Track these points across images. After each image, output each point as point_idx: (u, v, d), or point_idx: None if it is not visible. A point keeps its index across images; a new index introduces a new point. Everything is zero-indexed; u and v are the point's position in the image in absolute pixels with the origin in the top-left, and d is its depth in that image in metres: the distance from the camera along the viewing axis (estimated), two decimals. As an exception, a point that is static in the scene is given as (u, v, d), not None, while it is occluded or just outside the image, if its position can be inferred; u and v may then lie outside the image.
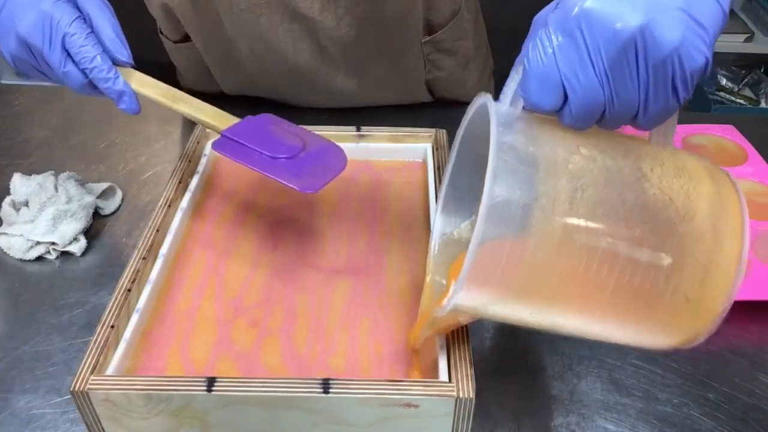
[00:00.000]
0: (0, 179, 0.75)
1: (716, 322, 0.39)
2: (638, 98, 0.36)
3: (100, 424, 0.44)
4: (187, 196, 0.60)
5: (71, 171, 0.73)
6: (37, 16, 0.53)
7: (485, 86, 0.93)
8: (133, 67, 0.58)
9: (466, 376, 0.43)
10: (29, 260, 0.66)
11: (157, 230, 0.55)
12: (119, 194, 0.73)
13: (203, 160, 0.65)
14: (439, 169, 0.63)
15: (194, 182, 0.62)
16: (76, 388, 0.42)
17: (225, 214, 0.61)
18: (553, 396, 0.54)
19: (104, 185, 0.73)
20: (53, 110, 0.89)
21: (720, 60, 2.10)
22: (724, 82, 2.07)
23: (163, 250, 0.54)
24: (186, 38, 0.84)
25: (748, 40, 1.98)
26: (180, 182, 0.61)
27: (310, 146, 0.56)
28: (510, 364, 0.56)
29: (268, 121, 0.59)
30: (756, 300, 0.61)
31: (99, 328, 0.46)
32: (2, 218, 0.70)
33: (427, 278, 0.48)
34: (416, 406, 0.42)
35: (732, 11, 2.04)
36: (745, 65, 2.09)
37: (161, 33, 0.87)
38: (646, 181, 0.37)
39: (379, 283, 0.54)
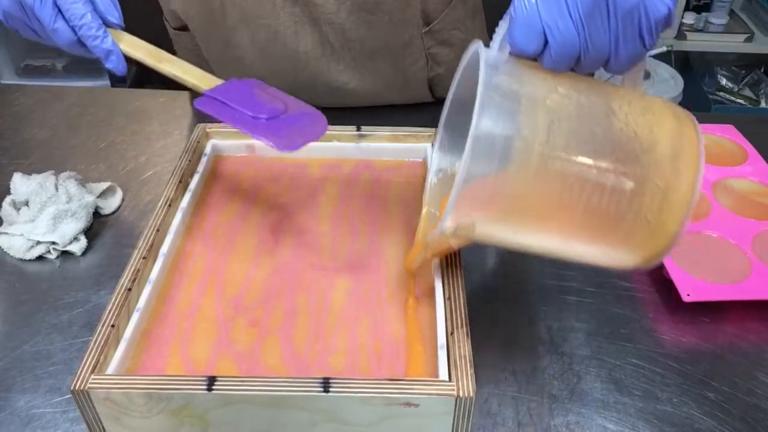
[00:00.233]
0: (0, 179, 0.75)
1: (672, 243, 0.43)
2: (609, 44, 0.41)
3: (101, 423, 0.44)
4: (187, 196, 0.60)
5: (71, 171, 0.73)
6: None
7: None
8: (123, 30, 0.59)
9: (466, 375, 0.43)
10: (29, 260, 0.66)
11: (158, 230, 0.55)
12: (119, 194, 0.73)
13: (203, 160, 0.65)
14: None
15: (194, 182, 0.62)
16: (76, 388, 0.42)
17: (225, 214, 0.61)
18: (553, 396, 0.54)
19: (104, 185, 0.73)
20: (53, 110, 0.90)
21: (720, 60, 2.10)
22: (724, 82, 2.07)
23: (164, 249, 0.55)
24: (184, 27, 0.84)
25: (748, 40, 1.99)
26: (180, 182, 0.61)
27: (291, 110, 0.57)
28: (510, 363, 0.56)
29: (252, 84, 0.60)
30: (756, 300, 0.61)
31: (99, 328, 0.46)
32: (2, 218, 0.70)
33: (424, 210, 0.53)
34: (416, 405, 0.42)
35: (732, 11, 2.05)
36: (745, 65, 2.09)
37: (165, 20, 0.87)
38: (614, 117, 0.42)
39: (379, 283, 0.54)
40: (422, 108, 0.89)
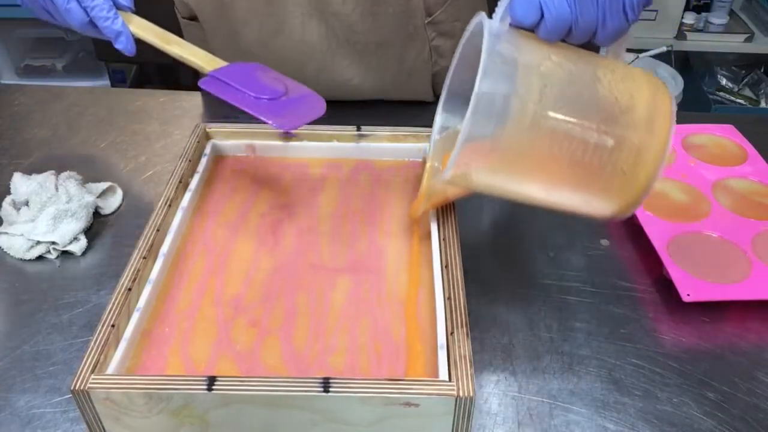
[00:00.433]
0: (0, 179, 0.75)
1: (644, 194, 0.49)
2: (597, 19, 0.47)
3: (101, 423, 0.44)
4: (187, 196, 0.60)
5: (71, 171, 0.73)
6: None
7: None
8: (132, 12, 0.61)
9: (466, 375, 0.43)
10: (29, 260, 0.66)
11: (158, 230, 0.55)
12: (119, 194, 0.73)
13: (203, 160, 0.65)
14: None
15: (194, 182, 0.62)
16: (76, 387, 0.43)
17: (225, 214, 0.61)
18: (553, 396, 0.54)
19: (104, 185, 0.73)
20: (53, 110, 0.90)
21: (720, 60, 2.10)
22: (724, 82, 2.07)
23: (164, 249, 0.55)
24: (193, 17, 0.85)
25: (748, 40, 1.98)
26: (180, 182, 0.61)
27: (292, 92, 0.60)
28: (510, 363, 0.56)
29: (255, 67, 0.62)
30: (756, 300, 0.61)
31: (99, 328, 0.46)
32: (2, 218, 0.70)
33: (427, 164, 0.58)
34: (416, 405, 0.42)
35: (732, 11, 2.05)
36: (745, 65, 2.09)
37: (176, 9, 0.88)
38: (599, 83, 0.48)
39: (379, 283, 0.54)
40: (423, 107, 0.89)
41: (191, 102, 0.92)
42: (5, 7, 1.82)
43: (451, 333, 0.47)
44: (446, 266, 0.52)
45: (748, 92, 2.05)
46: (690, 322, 0.60)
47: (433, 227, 0.57)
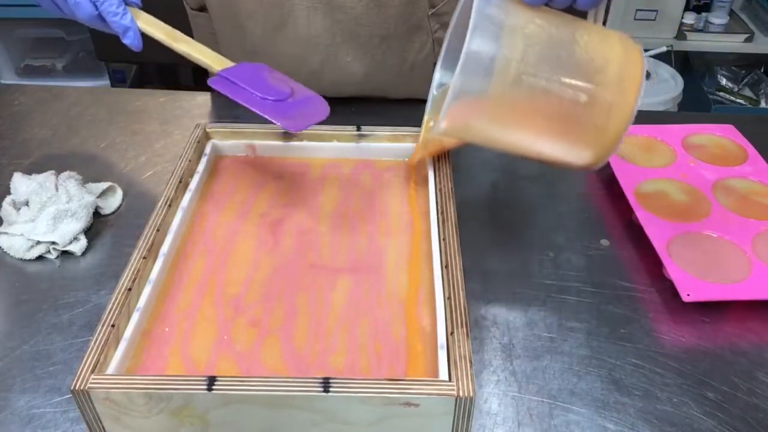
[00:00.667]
0: (0, 179, 0.75)
1: (615, 145, 0.54)
2: None
3: (101, 423, 0.44)
4: (187, 196, 0.60)
5: (71, 171, 0.73)
6: None
7: None
8: (140, 8, 0.63)
9: (466, 375, 0.43)
10: (29, 260, 0.66)
11: (158, 230, 0.55)
12: (119, 194, 0.73)
13: (203, 160, 0.65)
14: (439, 168, 0.63)
15: (194, 182, 0.62)
16: (76, 387, 0.43)
17: (225, 214, 0.61)
18: (553, 396, 0.54)
19: (104, 185, 0.73)
20: (53, 110, 0.90)
21: (720, 60, 2.10)
22: (724, 82, 2.07)
23: (164, 249, 0.55)
24: (203, 8, 0.85)
25: (748, 40, 1.99)
26: (180, 182, 0.61)
27: (297, 94, 0.62)
28: (510, 363, 0.56)
29: (263, 68, 0.64)
30: (756, 300, 0.61)
31: (99, 328, 0.46)
32: (2, 218, 0.70)
33: (425, 118, 0.63)
34: (416, 405, 0.42)
35: (732, 11, 2.05)
36: (745, 65, 2.09)
37: (185, 1, 0.88)
38: (576, 45, 0.52)
39: (379, 283, 0.54)
40: (423, 107, 0.88)
41: (191, 102, 0.92)
42: (5, 7, 1.82)
43: (451, 333, 0.47)
44: (446, 266, 0.52)
45: (748, 92, 2.05)
46: (690, 322, 0.60)
47: (434, 227, 0.57)
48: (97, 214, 0.71)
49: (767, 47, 1.98)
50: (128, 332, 0.48)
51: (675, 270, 0.62)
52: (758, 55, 2.01)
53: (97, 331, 0.46)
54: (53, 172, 0.72)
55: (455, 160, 0.65)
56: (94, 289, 0.63)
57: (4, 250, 0.67)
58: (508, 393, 0.54)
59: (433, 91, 0.64)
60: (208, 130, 0.68)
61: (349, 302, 0.53)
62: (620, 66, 0.53)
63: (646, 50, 1.84)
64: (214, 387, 0.42)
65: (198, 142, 0.66)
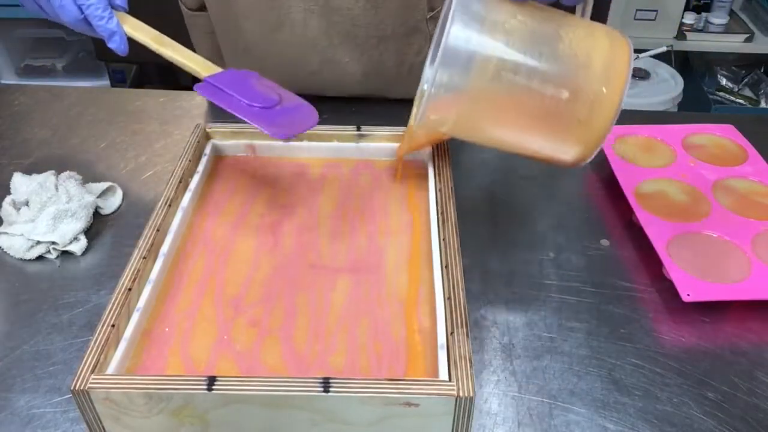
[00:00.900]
0: (0, 179, 0.75)
1: (600, 141, 0.54)
2: None
3: (101, 423, 0.44)
4: (187, 196, 0.60)
5: (71, 171, 0.73)
6: None
7: None
8: (126, 12, 0.61)
9: (466, 375, 0.43)
10: (29, 260, 0.66)
11: (158, 230, 0.55)
12: (119, 194, 0.73)
13: (203, 160, 0.65)
14: (439, 169, 0.63)
15: (194, 182, 0.62)
16: (76, 387, 0.43)
17: (225, 214, 0.61)
18: (553, 396, 0.54)
19: (104, 185, 0.73)
20: (53, 110, 0.90)
21: (720, 60, 2.10)
22: (724, 82, 2.07)
23: (164, 249, 0.55)
24: (202, 7, 0.85)
25: (748, 40, 1.99)
26: (180, 182, 0.61)
27: (286, 102, 0.60)
28: (510, 363, 0.56)
29: (251, 75, 0.62)
30: (756, 300, 0.61)
31: (99, 328, 0.46)
32: (2, 218, 0.70)
33: (414, 110, 0.63)
34: (416, 405, 0.42)
35: (732, 11, 2.05)
36: (745, 65, 2.09)
37: (180, 1, 0.88)
38: (560, 41, 0.52)
39: (379, 283, 0.54)
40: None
41: (191, 102, 0.92)
42: (5, 7, 1.83)
43: (451, 333, 0.47)
44: (446, 266, 0.52)
45: (748, 92, 2.05)
46: (690, 322, 0.60)
47: (434, 227, 0.57)
48: (97, 214, 0.71)
49: (767, 47, 1.98)
50: (128, 332, 0.48)
51: (675, 270, 0.62)
52: (758, 55, 2.01)
53: (97, 331, 0.46)
54: (53, 172, 0.72)
55: (455, 160, 0.65)
56: (94, 289, 0.63)
57: (4, 250, 0.67)
58: (508, 393, 0.54)
59: (423, 85, 0.64)
60: (208, 130, 0.68)
61: (349, 302, 0.53)
62: (605, 60, 0.52)
63: (646, 50, 1.84)
64: (214, 387, 0.42)
65: (198, 142, 0.66)
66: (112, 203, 0.72)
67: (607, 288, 0.63)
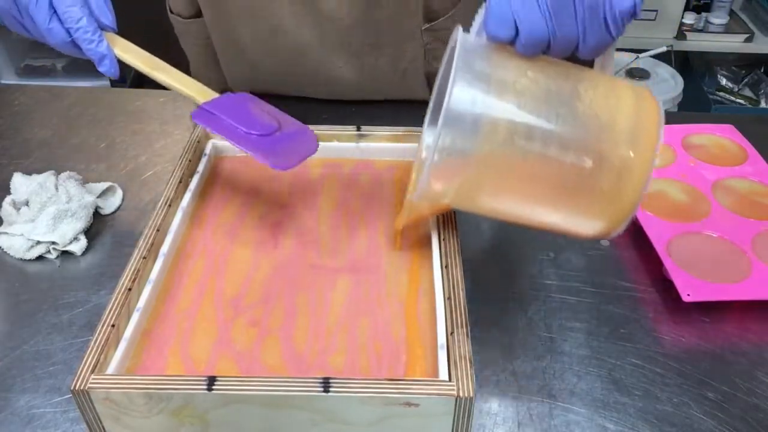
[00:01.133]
0: (0, 179, 0.75)
1: (628, 216, 0.47)
2: (577, 33, 0.44)
3: (101, 423, 0.44)
4: (187, 196, 0.60)
5: (71, 171, 0.73)
6: None
7: None
8: (115, 32, 0.58)
9: (466, 375, 0.43)
10: (29, 260, 0.66)
11: (158, 230, 0.55)
12: (119, 194, 0.73)
13: (204, 160, 0.65)
14: None
15: (194, 182, 0.62)
16: (76, 387, 0.42)
17: (225, 214, 0.61)
18: (553, 395, 0.54)
19: (104, 185, 0.73)
20: (53, 110, 0.90)
21: (720, 60, 2.10)
22: (724, 82, 2.07)
23: (164, 249, 0.55)
24: (197, 14, 0.84)
25: (748, 40, 1.99)
26: (180, 182, 0.61)
27: (285, 127, 0.59)
28: (510, 363, 0.56)
29: (247, 99, 0.61)
30: (756, 300, 0.61)
31: (99, 328, 0.46)
32: (2, 218, 0.70)
33: (413, 177, 0.57)
34: (416, 405, 0.42)
35: (732, 11, 2.05)
36: (745, 65, 2.09)
37: (171, 12, 0.87)
38: (578, 100, 0.46)
39: (379, 283, 0.54)
40: (422, 107, 0.88)
41: (191, 102, 0.92)
42: (5, 7, 1.82)
43: (451, 333, 0.47)
44: (446, 266, 0.52)
45: (748, 92, 2.05)
46: (690, 322, 0.60)
47: (433, 228, 0.57)
48: (97, 214, 0.71)
49: (767, 47, 1.98)
50: (128, 332, 0.48)
51: (675, 270, 0.62)
52: (758, 55, 2.01)
53: (97, 331, 0.46)
54: (53, 172, 0.72)
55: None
56: (94, 289, 0.63)
57: (4, 250, 0.67)
58: (508, 393, 0.54)
59: (421, 152, 0.58)
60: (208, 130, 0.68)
61: (349, 302, 0.53)
62: (632, 121, 0.46)
63: (646, 50, 1.84)
64: (214, 387, 0.42)
65: (198, 142, 0.66)
66: (112, 203, 0.72)
67: (607, 288, 0.63)
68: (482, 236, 0.69)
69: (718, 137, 0.81)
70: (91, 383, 0.43)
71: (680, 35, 2.00)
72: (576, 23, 0.44)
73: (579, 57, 0.46)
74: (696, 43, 2.00)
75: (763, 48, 1.98)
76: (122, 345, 0.47)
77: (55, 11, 0.55)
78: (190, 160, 0.63)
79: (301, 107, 0.87)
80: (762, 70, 2.08)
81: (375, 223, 0.60)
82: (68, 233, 0.66)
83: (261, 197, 0.63)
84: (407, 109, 0.88)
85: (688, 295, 0.59)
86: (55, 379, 0.55)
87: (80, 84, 1.96)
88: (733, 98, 2.01)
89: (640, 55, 1.84)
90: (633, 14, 0.44)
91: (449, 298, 0.49)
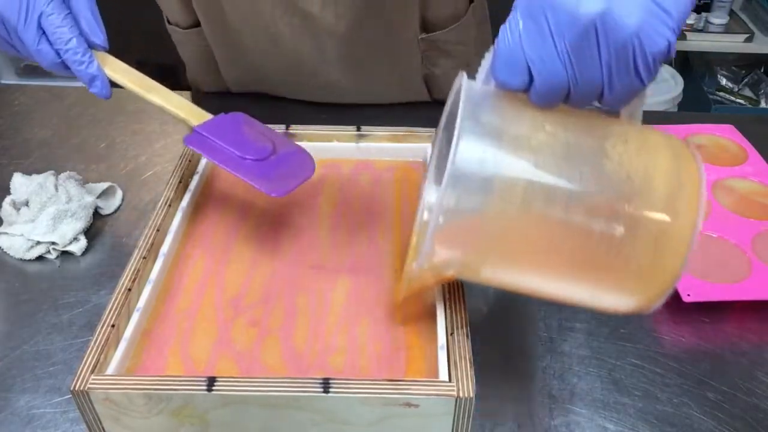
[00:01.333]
0: (0, 179, 0.75)
1: (668, 290, 0.40)
2: (601, 79, 0.37)
3: (101, 423, 0.44)
4: (187, 196, 0.60)
5: (71, 171, 0.73)
6: None
7: None
8: (106, 51, 0.57)
9: (466, 375, 0.43)
10: (29, 260, 0.66)
11: (158, 230, 0.55)
12: (119, 194, 0.73)
13: (203, 160, 0.65)
14: None
15: (194, 182, 0.62)
16: (76, 388, 0.42)
17: (225, 214, 0.61)
18: (553, 396, 0.54)
19: (104, 185, 0.73)
20: (53, 110, 0.90)
21: (720, 60, 2.10)
22: (724, 82, 2.07)
23: (164, 249, 0.55)
24: (196, 23, 0.84)
25: (748, 40, 1.99)
26: (180, 182, 0.61)
27: (280, 150, 0.57)
28: (510, 363, 0.56)
29: (241, 120, 0.59)
30: (756, 300, 0.61)
31: (99, 328, 0.46)
32: (2, 218, 0.70)
33: (413, 241, 0.50)
34: (416, 406, 0.42)
35: (732, 11, 2.05)
36: (745, 65, 2.09)
37: (168, 23, 0.87)
38: (605, 157, 0.39)
39: (379, 283, 0.54)
40: (421, 108, 0.89)
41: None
42: (5, 7, 1.82)
43: (451, 333, 0.47)
44: (446, 266, 0.52)
45: (748, 92, 2.05)
46: (690, 322, 0.60)
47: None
48: (97, 214, 0.71)
49: (767, 47, 1.98)
50: (128, 332, 0.48)
51: (675, 270, 0.62)
52: (758, 55, 2.01)
53: (97, 331, 0.46)
54: (53, 172, 0.72)
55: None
56: (94, 289, 0.63)
57: (4, 250, 0.67)
58: (508, 393, 0.54)
59: (421, 211, 0.51)
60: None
61: (349, 302, 0.53)
62: (669, 181, 0.39)
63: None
64: (213, 387, 0.42)
65: (198, 142, 0.66)
66: (112, 203, 0.72)
67: (607, 288, 0.63)
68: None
69: (718, 137, 0.81)
70: (90, 383, 0.43)
71: (680, 35, 1.99)
72: (600, 67, 0.37)
73: (603, 106, 0.40)
74: (696, 43, 2.00)
75: (763, 48, 1.98)
76: (122, 345, 0.47)
77: (44, 32, 0.53)
78: (190, 160, 0.63)
79: (300, 108, 0.88)
80: (762, 70, 2.08)
81: (375, 223, 0.60)
82: (68, 233, 0.66)
83: (261, 198, 0.63)
84: (407, 109, 0.88)
85: (688, 295, 0.59)
86: (55, 379, 0.55)
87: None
88: (733, 98, 2.01)
89: (640, 55, 1.84)
90: (667, 55, 0.37)
91: (449, 298, 0.49)
